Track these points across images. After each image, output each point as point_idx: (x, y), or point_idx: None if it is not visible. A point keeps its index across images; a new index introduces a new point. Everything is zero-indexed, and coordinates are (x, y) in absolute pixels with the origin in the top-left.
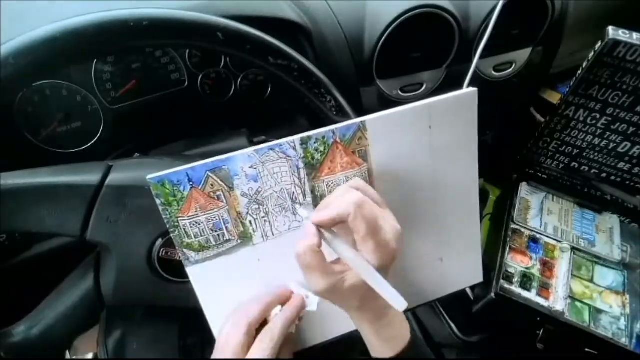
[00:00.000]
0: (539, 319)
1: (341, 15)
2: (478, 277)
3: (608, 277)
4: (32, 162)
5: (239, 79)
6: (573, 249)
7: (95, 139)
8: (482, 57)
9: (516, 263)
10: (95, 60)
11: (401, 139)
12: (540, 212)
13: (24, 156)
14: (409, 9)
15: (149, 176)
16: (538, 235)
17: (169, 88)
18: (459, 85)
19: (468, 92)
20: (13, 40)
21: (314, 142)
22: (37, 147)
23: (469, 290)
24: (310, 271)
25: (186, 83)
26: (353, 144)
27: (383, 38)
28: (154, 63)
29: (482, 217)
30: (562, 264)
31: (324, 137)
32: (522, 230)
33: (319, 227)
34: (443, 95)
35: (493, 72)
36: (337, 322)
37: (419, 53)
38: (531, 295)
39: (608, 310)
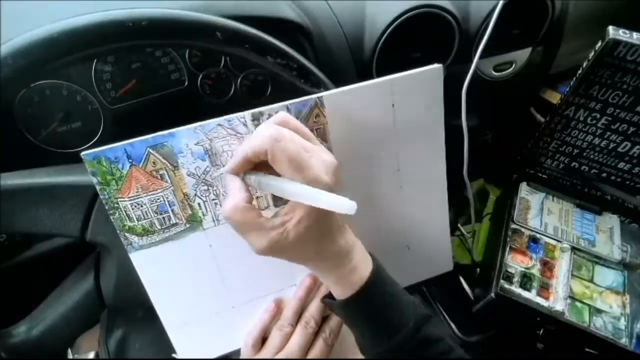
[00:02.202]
0: (539, 319)
1: (341, 15)
2: (447, 266)
3: (608, 277)
4: (32, 162)
5: (239, 79)
6: (573, 249)
7: (95, 139)
8: (482, 57)
9: (516, 263)
10: (95, 60)
11: (362, 117)
12: (540, 212)
13: (24, 156)
14: (408, 8)
15: (83, 153)
16: (538, 235)
17: (169, 88)
18: (459, 85)
19: (433, 68)
20: (12, 41)
21: (267, 118)
22: (37, 147)
23: (468, 290)
24: (246, 231)
25: (186, 83)
26: (310, 122)
27: (383, 38)
28: (154, 63)
29: (482, 217)
30: (562, 264)
31: (277, 113)
32: (522, 230)
33: (242, 176)
34: (406, 72)
35: (493, 72)
36: None
37: (419, 53)
38: (531, 296)
39: (608, 310)
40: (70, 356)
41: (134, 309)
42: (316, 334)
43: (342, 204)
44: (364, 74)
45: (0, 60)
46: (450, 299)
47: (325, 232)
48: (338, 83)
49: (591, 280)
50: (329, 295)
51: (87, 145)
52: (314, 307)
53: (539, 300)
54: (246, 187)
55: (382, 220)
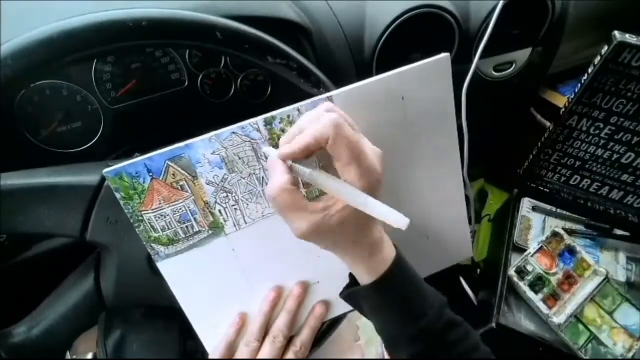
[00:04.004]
0: (541, 349)
1: (341, 15)
2: (467, 252)
3: (631, 317)
4: (32, 162)
5: (239, 79)
6: (608, 277)
7: (95, 139)
8: (482, 57)
9: (538, 264)
10: (95, 60)
11: (373, 112)
12: (542, 231)
13: (24, 156)
14: (409, 8)
15: (105, 170)
16: (578, 248)
17: (169, 88)
18: (459, 85)
19: (440, 57)
20: (11, 41)
21: (279, 122)
22: (37, 147)
23: (468, 290)
24: (289, 213)
25: (186, 83)
26: None
27: (383, 38)
28: (154, 63)
29: (480, 218)
30: (588, 285)
31: (288, 116)
32: (564, 236)
33: (292, 161)
34: (414, 63)
35: (493, 72)
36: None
37: (419, 53)
38: (535, 298)
39: (609, 346)
40: (67, 357)
41: (132, 310)
42: (286, 347)
43: (396, 218)
44: (364, 74)
45: (0, 60)
46: (450, 299)
47: (363, 220)
48: (338, 83)
49: (610, 313)
50: (347, 286)
51: (87, 146)
52: (282, 321)
53: (541, 305)
54: (290, 171)
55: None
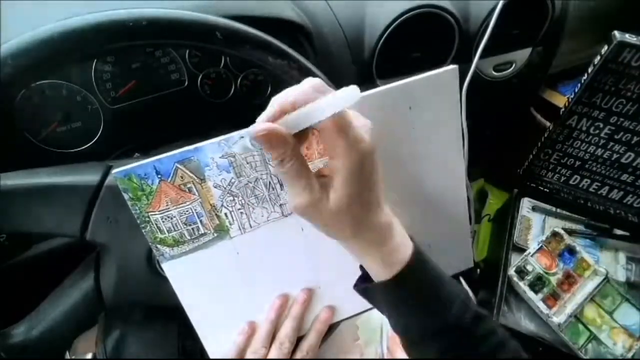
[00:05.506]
0: (541, 349)
1: (341, 15)
2: (468, 263)
3: (631, 317)
4: (32, 162)
5: (239, 79)
6: (608, 278)
7: (95, 139)
8: (482, 57)
9: (538, 263)
10: (95, 60)
11: (379, 121)
12: (542, 231)
13: (24, 156)
14: (409, 8)
15: (114, 170)
16: (578, 248)
17: (169, 88)
18: (459, 86)
19: (448, 69)
20: (12, 41)
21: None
22: (37, 147)
23: (470, 293)
24: (293, 179)
25: (186, 83)
26: None
27: (383, 38)
28: (154, 63)
29: (480, 218)
30: (588, 285)
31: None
32: (564, 237)
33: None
34: (422, 74)
35: (493, 72)
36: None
37: (419, 53)
38: (535, 298)
39: (609, 346)
40: (67, 357)
41: (132, 310)
42: (293, 352)
43: (346, 93)
44: (364, 74)
45: (0, 60)
46: None
47: (364, 203)
48: (338, 83)
49: (610, 313)
50: (362, 279)
51: (87, 146)
52: (288, 327)
53: (541, 305)
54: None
55: (404, 222)
